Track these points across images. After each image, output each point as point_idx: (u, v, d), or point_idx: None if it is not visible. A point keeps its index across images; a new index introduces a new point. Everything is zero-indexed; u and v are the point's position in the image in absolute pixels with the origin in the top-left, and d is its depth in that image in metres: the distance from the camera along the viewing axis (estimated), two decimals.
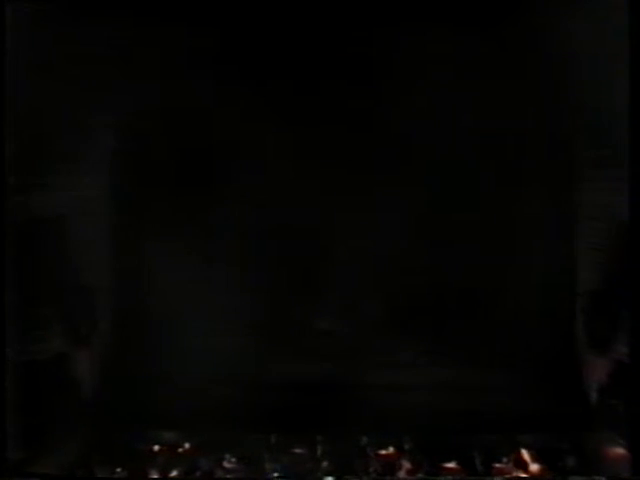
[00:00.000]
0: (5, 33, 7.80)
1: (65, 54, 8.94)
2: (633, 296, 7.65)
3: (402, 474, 8.65)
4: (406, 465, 8.74)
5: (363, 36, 9.73)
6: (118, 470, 8.64)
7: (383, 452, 9.05)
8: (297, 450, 8.98)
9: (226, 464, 8.83)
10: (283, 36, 9.66)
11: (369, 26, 9.54)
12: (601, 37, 8.68)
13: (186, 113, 10.39)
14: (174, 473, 8.65)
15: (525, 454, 8.96)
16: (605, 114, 9.05)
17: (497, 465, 8.84)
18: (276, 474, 8.64)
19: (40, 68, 8.45)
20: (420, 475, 8.55)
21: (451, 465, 8.79)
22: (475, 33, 9.50)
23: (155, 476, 8.61)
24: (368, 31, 9.64)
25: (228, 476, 8.67)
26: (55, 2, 8.49)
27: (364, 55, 9.95)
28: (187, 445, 9.18)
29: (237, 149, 10.90)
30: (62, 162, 9.32)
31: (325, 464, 8.69)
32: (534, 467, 8.85)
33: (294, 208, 11.21)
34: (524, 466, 8.86)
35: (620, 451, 8.86)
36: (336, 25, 9.54)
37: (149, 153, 10.66)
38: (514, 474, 8.74)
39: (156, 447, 9.14)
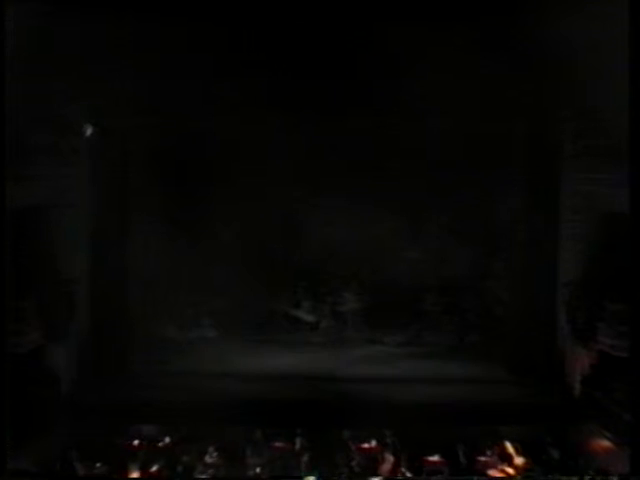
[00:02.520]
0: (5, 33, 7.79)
1: (45, 51, 8.88)
2: (633, 295, 7.55)
3: (385, 467, 8.53)
4: (389, 458, 8.61)
5: (361, 34, 9.72)
6: (98, 465, 8.53)
7: (365, 446, 8.94)
8: (278, 444, 8.88)
9: (208, 459, 8.71)
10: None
11: (366, 26, 9.52)
12: (588, 29, 8.61)
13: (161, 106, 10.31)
14: (155, 468, 8.55)
15: (509, 447, 8.81)
16: (593, 107, 8.97)
17: (481, 458, 8.71)
18: (258, 469, 8.53)
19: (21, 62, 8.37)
20: (403, 469, 8.43)
21: (434, 458, 8.66)
22: (475, 27, 9.46)
23: (135, 471, 8.49)
24: (365, 30, 9.63)
25: (210, 471, 8.54)
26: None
27: (361, 52, 9.93)
28: (167, 439, 9.10)
29: (213, 142, 10.80)
30: (38, 154, 9.24)
31: (306, 458, 8.56)
32: (519, 460, 8.69)
33: (274, 204, 11.10)
34: (509, 459, 8.71)
35: (605, 443, 8.78)
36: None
37: (128, 146, 10.59)
38: (499, 467, 8.60)
39: (136, 442, 9.03)
